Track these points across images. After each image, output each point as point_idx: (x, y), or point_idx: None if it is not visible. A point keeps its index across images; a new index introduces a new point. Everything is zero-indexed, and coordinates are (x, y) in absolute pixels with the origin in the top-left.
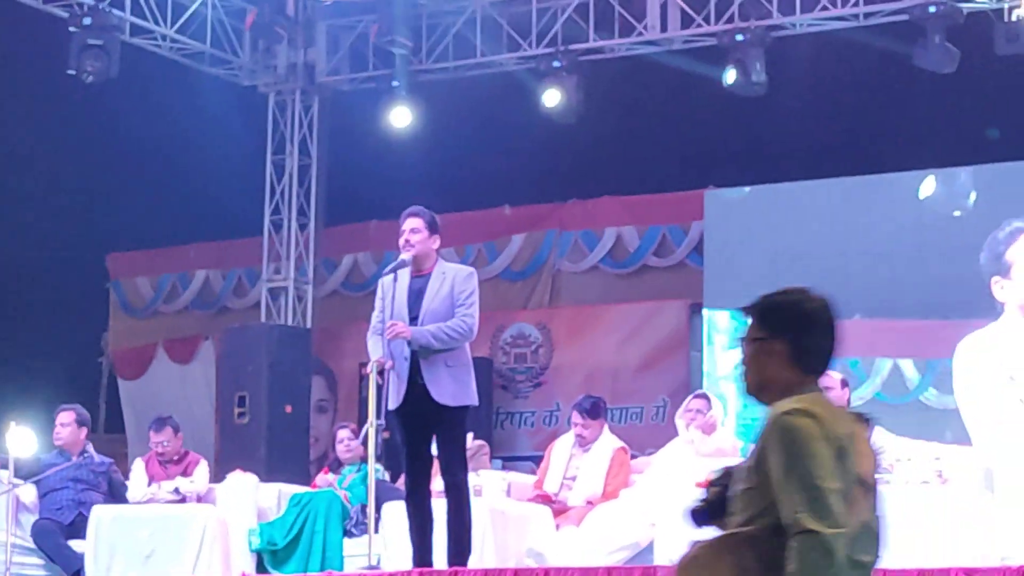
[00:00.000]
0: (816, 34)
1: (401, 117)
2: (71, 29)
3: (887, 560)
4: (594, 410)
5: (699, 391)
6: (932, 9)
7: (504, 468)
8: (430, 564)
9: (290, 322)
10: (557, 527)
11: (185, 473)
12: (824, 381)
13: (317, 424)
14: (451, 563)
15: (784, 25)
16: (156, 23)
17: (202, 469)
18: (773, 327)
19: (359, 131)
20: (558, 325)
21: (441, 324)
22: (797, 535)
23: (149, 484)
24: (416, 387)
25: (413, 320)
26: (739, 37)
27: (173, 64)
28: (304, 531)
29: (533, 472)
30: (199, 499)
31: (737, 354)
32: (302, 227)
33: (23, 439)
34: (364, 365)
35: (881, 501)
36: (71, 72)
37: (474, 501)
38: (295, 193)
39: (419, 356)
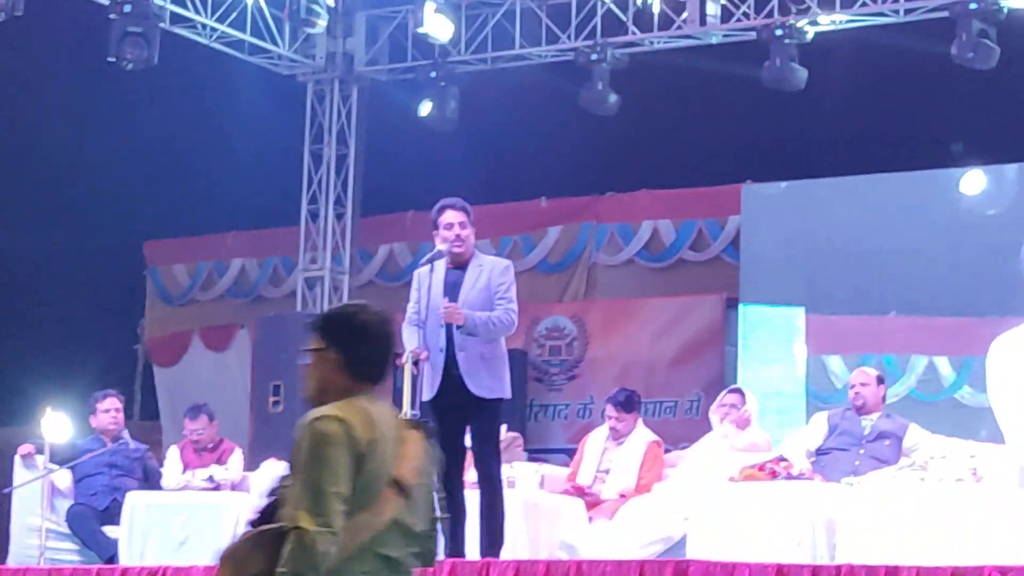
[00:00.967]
0: (855, 29)
1: (425, 109)
2: (111, 16)
3: (922, 557)
4: (628, 403)
5: (733, 386)
6: (972, 6)
7: (533, 460)
8: (462, 555)
9: None
10: (590, 520)
11: (219, 461)
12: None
13: None
14: (483, 554)
15: (823, 21)
16: (196, 11)
17: (236, 457)
18: (329, 338)
19: (397, 121)
20: (593, 318)
21: (490, 314)
22: (291, 531)
23: (184, 471)
24: (451, 378)
25: None
26: (778, 32)
27: (212, 52)
28: None
29: (566, 465)
30: (233, 487)
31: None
32: (339, 217)
33: (59, 425)
34: (399, 356)
35: (433, 502)
36: (111, 60)
37: (507, 493)
38: (332, 183)
39: (455, 347)
